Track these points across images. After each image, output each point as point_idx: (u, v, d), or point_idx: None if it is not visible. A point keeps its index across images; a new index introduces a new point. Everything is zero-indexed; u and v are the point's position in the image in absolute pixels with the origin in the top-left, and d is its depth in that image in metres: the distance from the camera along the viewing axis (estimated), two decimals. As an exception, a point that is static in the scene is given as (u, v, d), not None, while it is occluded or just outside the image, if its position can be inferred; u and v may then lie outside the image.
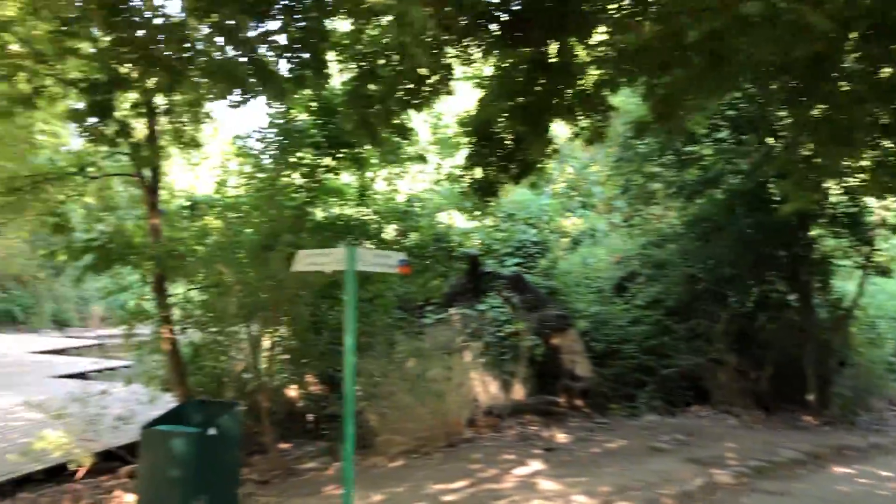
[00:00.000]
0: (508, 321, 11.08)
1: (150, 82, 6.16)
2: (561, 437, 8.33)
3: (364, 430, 8.83)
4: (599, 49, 7.14)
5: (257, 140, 9.83)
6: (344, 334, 4.97)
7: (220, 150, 13.11)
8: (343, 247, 5.48)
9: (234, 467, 5.75)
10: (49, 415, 7.29)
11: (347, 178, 10.88)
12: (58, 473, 9.00)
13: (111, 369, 17.58)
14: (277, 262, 7.90)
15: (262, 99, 8.75)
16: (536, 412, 8.99)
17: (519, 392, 9.35)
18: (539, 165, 9.39)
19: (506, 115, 7.65)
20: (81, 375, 16.28)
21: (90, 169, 9.18)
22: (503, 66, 7.52)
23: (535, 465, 7.20)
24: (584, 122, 7.97)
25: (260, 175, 9.81)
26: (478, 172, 9.44)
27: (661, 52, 5.66)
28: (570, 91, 7.40)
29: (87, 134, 6.66)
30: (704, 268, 11.52)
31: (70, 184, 9.21)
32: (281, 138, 9.52)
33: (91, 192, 9.24)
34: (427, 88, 7.41)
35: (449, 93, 7.79)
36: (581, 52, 7.11)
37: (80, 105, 6.81)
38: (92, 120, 6.57)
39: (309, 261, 5.29)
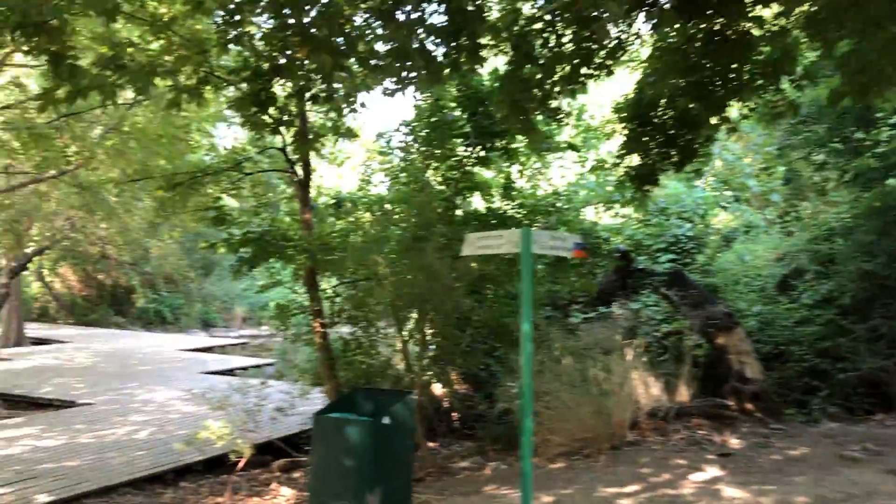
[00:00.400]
0: (666, 319, 10.46)
1: (312, 67, 6.04)
2: (734, 442, 7.65)
3: (516, 429, 8.49)
4: (782, 18, 6.52)
5: (406, 132, 9.69)
6: (520, 321, 4.62)
7: (363, 147, 13.19)
8: (518, 228, 5.14)
9: (408, 460, 5.51)
10: (211, 406, 7.35)
11: (490, 172, 10.59)
12: (215, 465, 9.19)
13: (256, 366, 18.12)
14: (431, 254, 7.69)
15: (408, 91, 8.69)
16: (704, 415, 8.33)
17: (683, 394, 8.72)
18: (703, 151, 8.79)
19: (677, 93, 7.08)
20: (229, 372, 16.81)
21: (245, 165, 9.33)
22: (673, 41, 6.98)
23: (713, 471, 6.60)
24: (762, 99, 7.32)
25: (408, 168, 9.67)
26: (635, 160, 8.97)
27: (869, 8, 4.99)
28: (748, 65, 6.79)
29: (248, 123, 6.64)
30: (885, 263, 10.44)
31: (225, 180, 9.38)
32: (429, 130, 9.32)
33: (246, 188, 9.38)
34: (592, 67, 6.98)
35: (610, 73, 7.34)
36: (765, 20, 6.48)
37: (240, 95, 6.87)
38: (253, 109, 6.54)
39: (480, 244, 4.98)
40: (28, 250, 16.26)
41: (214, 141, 13.47)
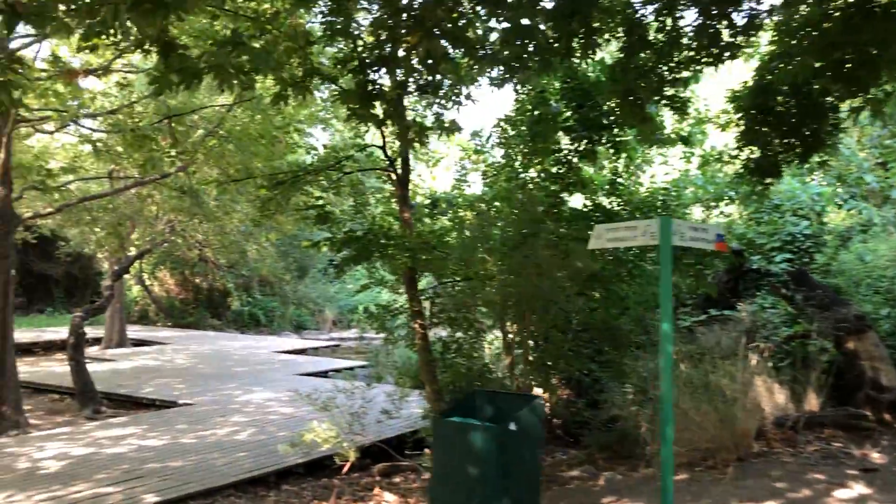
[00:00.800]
0: (786, 322, 9.78)
1: (421, 55, 5.78)
2: (875, 456, 6.98)
3: (632, 438, 8.03)
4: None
5: (507, 127, 9.36)
6: (661, 319, 4.21)
7: (458, 146, 12.93)
8: (656, 217, 4.74)
9: (536, 470, 5.15)
10: (316, 407, 7.17)
11: (594, 168, 10.15)
12: (315, 468, 9.06)
13: (349, 369, 18.11)
14: (540, 251, 7.33)
15: (515, 82, 8.35)
16: (837, 426, 7.67)
17: (812, 402, 8.07)
18: (830, 141, 8.14)
19: (811, 75, 6.51)
20: (323, 374, 16.83)
21: (346, 163, 9.19)
22: (808, 16, 6.42)
23: (859, 488, 5.99)
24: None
25: (510, 164, 9.34)
26: (750, 152, 8.40)
27: None
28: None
29: (354, 116, 6.44)
30: None
31: (324, 179, 9.26)
32: (533, 123, 8.96)
33: (346, 186, 9.23)
34: (716, 49, 6.49)
35: (734, 56, 6.83)
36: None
37: (346, 87, 6.69)
38: (359, 102, 6.33)
39: (610, 236, 4.59)
40: (130, 253, 16.67)
41: (313, 141, 13.55)
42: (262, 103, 11.30)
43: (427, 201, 11.56)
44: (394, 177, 9.17)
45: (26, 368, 15.64)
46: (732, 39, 6.32)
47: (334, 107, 14.65)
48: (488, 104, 26.50)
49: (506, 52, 6.58)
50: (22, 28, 10.99)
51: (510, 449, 4.56)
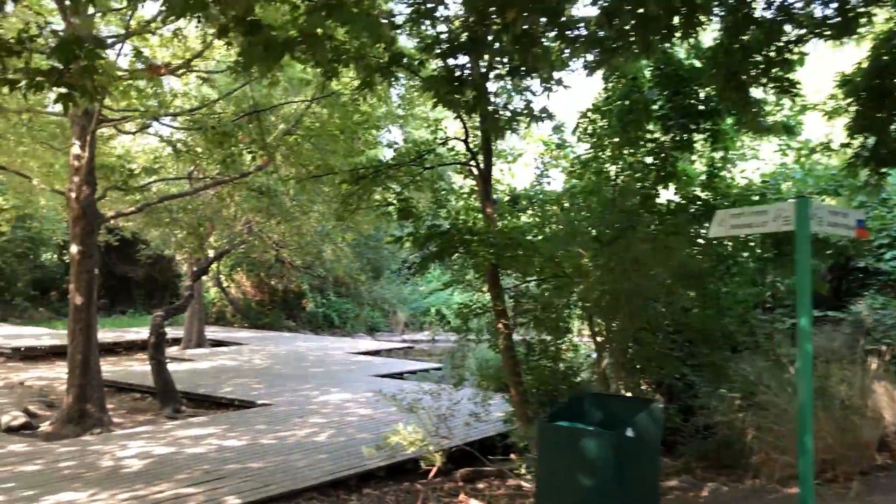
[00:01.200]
0: (902, 324, 9.05)
1: (517, 31, 5.43)
2: None
3: (736, 446, 7.48)
4: None
5: (595, 118, 8.92)
6: (797, 314, 3.74)
7: (538, 141, 12.53)
8: (791, 201, 4.26)
9: (654, 482, 4.70)
10: (402, 408, 6.88)
11: (687, 159, 9.61)
12: (396, 471, 8.77)
13: (424, 370, 17.87)
14: (639, 246, 6.88)
15: (609, 67, 7.92)
16: (968, 437, 7.00)
17: (939, 411, 7.38)
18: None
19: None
20: (398, 375, 16.62)
21: (426, 158, 8.91)
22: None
23: None
24: None
25: (599, 156, 8.89)
26: (863, 140, 7.77)
27: None
28: None
29: (441, 103, 6.13)
30: None
31: (406, 174, 9.00)
32: (624, 112, 8.50)
33: (427, 181, 8.95)
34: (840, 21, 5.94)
35: (854, 30, 6.25)
36: None
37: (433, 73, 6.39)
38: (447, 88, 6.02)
39: (735, 222, 4.14)
40: (210, 254, 16.81)
41: (390, 139, 13.39)
42: (340, 100, 11.15)
43: (507, 198, 11.17)
44: (475, 171, 8.84)
45: (109, 368, 15.88)
46: (855, 10, 5.74)
47: (410, 105, 14.48)
48: (568, 98, 25.98)
49: (603, 33, 6.19)
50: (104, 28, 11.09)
51: (627, 457, 4.14)
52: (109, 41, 10.22)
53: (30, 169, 13.58)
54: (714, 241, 7.60)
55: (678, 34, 6.55)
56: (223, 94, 11.46)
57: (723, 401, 7.66)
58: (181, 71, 10.81)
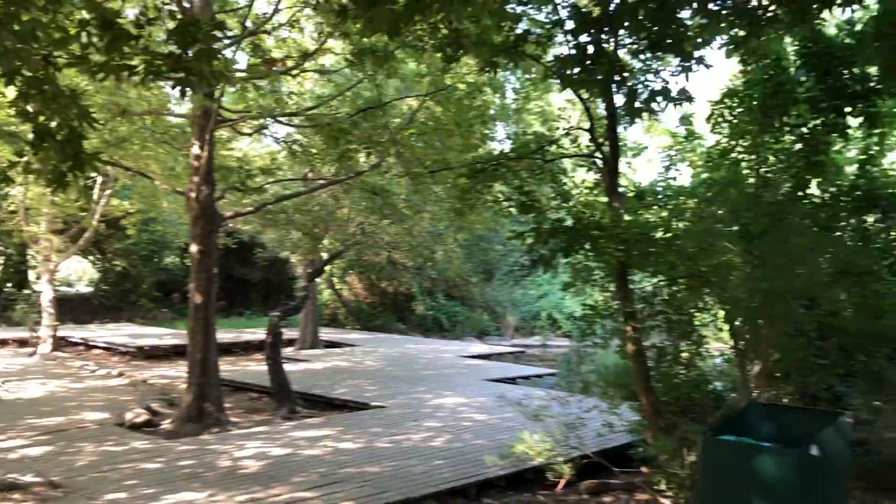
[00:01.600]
0: None
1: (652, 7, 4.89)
2: None
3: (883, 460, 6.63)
4: None
5: (733, 103, 8.19)
6: None
7: (664, 134, 11.83)
8: None
9: None
10: (528, 415, 6.42)
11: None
12: (514, 481, 8.31)
13: (538, 376, 17.36)
14: (792, 241, 6.16)
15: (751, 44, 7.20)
16: None
17: None
18: None
19: None
20: (511, 380, 16.18)
21: (548, 150, 8.43)
22: None
23: None
24: None
25: (737, 145, 8.15)
26: None
27: None
28: None
29: (572, 83, 5.64)
30: None
31: (526, 168, 8.54)
32: (766, 96, 7.74)
33: (547, 174, 8.45)
34: None
35: None
36: None
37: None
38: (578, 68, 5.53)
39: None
40: (324, 256, 16.88)
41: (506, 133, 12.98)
42: (455, 94, 10.84)
43: (632, 193, 10.55)
44: (600, 164, 8.28)
45: (226, 367, 16.11)
46: None
47: (525, 98, 14.03)
48: (695, 88, 24.53)
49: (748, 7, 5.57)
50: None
51: (814, 480, 3.53)
52: (227, 41, 10.29)
53: (152, 171, 13.93)
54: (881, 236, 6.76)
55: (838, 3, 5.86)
56: (339, 90, 11.35)
57: (878, 413, 6.80)
58: (296, 70, 10.75)
